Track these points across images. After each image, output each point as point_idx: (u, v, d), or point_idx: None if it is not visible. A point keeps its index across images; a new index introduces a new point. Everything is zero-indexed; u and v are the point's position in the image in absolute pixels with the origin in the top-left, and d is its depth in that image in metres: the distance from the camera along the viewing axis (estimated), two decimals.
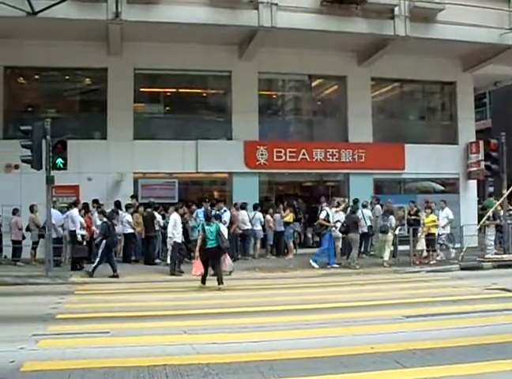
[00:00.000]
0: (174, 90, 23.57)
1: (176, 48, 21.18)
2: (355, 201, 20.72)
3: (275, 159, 22.42)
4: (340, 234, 19.31)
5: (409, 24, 20.75)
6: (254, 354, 7.56)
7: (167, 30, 19.57)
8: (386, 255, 18.92)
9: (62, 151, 16.83)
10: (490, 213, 20.17)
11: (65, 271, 17.04)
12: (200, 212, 18.36)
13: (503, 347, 7.78)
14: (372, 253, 21.26)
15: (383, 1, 20.29)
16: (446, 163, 24.53)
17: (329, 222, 18.85)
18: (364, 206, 20.83)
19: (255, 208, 21.01)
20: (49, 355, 7.61)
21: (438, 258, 19.51)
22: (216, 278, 14.42)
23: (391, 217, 19.32)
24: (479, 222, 21.67)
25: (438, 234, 19.65)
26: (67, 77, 22.91)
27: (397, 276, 16.98)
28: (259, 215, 20.93)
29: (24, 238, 19.17)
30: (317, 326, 9.45)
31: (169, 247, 18.78)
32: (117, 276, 16.21)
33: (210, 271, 14.70)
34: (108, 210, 19.51)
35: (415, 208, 20.58)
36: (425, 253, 19.49)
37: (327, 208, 19.29)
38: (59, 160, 16.75)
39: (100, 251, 16.38)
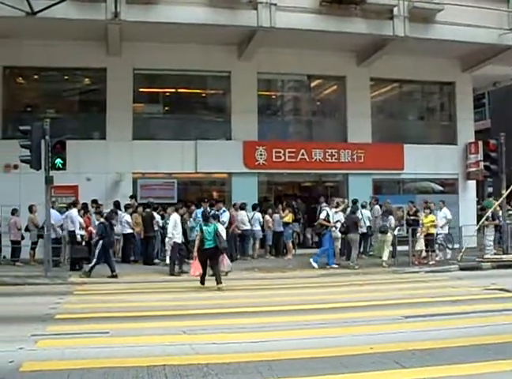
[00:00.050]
0: (173, 90, 23.56)
1: (175, 48, 21.18)
2: (354, 202, 20.70)
3: (274, 160, 22.42)
4: (339, 235, 19.35)
5: (408, 25, 20.75)
6: (253, 354, 7.56)
7: (167, 30, 19.57)
8: (385, 255, 18.92)
9: (61, 152, 16.81)
10: (489, 213, 20.18)
11: (65, 271, 17.02)
12: (199, 213, 18.39)
13: (503, 347, 7.79)
14: (371, 253, 21.25)
15: (382, 1, 20.30)
16: (445, 163, 24.54)
17: (329, 222, 18.85)
18: (363, 206, 20.82)
19: (254, 208, 21.01)
20: (48, 355, 7.61)
21: (437, 258, 19.51)
22: (214, 278, 14.44)
23: (390, 217, 19.32)
24: (478, 222, 21.69)
25: (436, 234, 19.65)
26: (66, 77, 22.90)
27: (396, 277, 16.98)
28: (258, 215, 20.93)
29: (23, 238, 19.16)
30: (316, 326, 9.45)
31: (168, 247, 18.86)
32: (116, 276, 16.19)
33: (209, 271, 14.70)
34: (107, 210, 19.57)
35: (414, 209, 20.60)
36: (424, 254, 19.48)
37: (327, 208, 19.29)
38: (58, 160, 16.73)
39: (97, 251, 16.37)
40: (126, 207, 19.77)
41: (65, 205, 19.43)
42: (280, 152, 22.49)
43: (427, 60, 23.63)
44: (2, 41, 19.90)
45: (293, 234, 21.81)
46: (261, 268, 18.34)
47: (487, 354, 7.46)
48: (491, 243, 20.22)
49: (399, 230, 19.84)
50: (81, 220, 18.28)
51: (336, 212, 19.46)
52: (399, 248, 19.69)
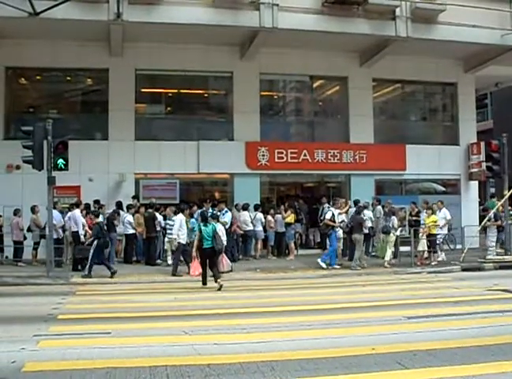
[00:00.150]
0: (175, 91, 23.54)
1: (178, 49, 21.19)
2: (356, 202, 20.71)
3: (276, 160, 22.39)
4: (341, 235, 19.34)
5: (411, 25, 20.73)
6: (255, 354, 7.56)
7: (169, 31, 19.57)
8: (388, 255, 18.90)
9: (63, 152, 16.85)
10: (491, 214, 20.15)
11: (67, 271, 17.03)
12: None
13: (505, 347, 7.78)
14: (374, 253, 21.23)
15: (385, 2, 20.26)
16: (448, 163, 24.52)
17: (334, 222, 18.83)
18: (365, 207, 20.80)
19: (256, 208, 21.02)
20: (50, 356, 7.62)
21: (439, 259, 19.48)
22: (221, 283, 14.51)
23: (393, 218, 19.31)
24: (480, 223, 21.66)
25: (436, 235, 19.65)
26: (68, 78, 22.92)
27: (398, 277, 16.96)
28: (260, 215, 20.93)
29: (25, 238, 19.19)
30: (318, 327, 9.45)
31: (167, 247, 18.98)
32: (115, 272, 16.28)
33: (210, 271, 14.75)
34: (109, 211, 19.63)
35: (416, 209, 20.58)
36: (426, 254, 19.46)
37: (332, 209, 19.26)
38: (60, 161, 16.77)
39: (92, 252, 16.41)
40: (128, 207, 19.78)
41: (67, 206, 19.46)
42: (282, 153, 22.47)
43: (429, 60, 23.65)
44: (5, 41, 19.95)
45: (295, 234, 21.82)
46: (263, 268, 18.33)
47: (490, 354, 7.45)
48: (494, 244, 20.18)
49: (401, 231, 19.82)
50: (84, 221, 18.30)
51: (340, 214, 19.47)
52: (401, 248, 19.74)
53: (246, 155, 22.22)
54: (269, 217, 21.21)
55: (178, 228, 16.88)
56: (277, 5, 19.33)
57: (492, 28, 21.26)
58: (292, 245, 21.34)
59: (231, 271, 16.63)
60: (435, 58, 23.63)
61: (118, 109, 21.26)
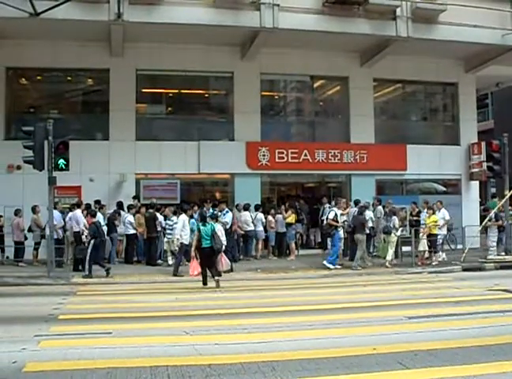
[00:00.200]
0: (176, 91, 23.54)
1: (178, 49, 21.20)
2: (356, 202, 20.71)
3: (277, 160, 22.38)
4: (342, 235, 19.33)
5: (411, 25, 20.74)
6: (256, 355, 7.56)
7: (169, 31, 19.57)
8: (389, 255, 18.90)
9: (64, 152, 16.86)
10: (492, 214, 20.14)
11: (67, 272, 17.04)
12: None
13: (506, 348, 7.78)
14: (375, 254, 21.21)
15: (385, 2, 20.25)
16: (448, 163, 24.51)
17: (337, 222, 18.82)
18: (366, 207, 20.79)
19: (257, 208, 21.02)
20: (51, 356, 7.62)
21: (440, 259, 19.48)
22: (216, 278, 14.53)
23: (394, 218, 19.30)
24: (481, 223, 21.65)
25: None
26: (69, 78, 22.93)
27: (399, 277, 16.95)
28: (261, 215, 20.93)
29: (26, 238, 19.20)
30: (319, 327, 9.44)
31: (166, 247, 18.97)
32: (109, 269, 16.40)
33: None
34: (110, 211, 19.64)
35: (417, 209, 20.58)
36: (427, 254, 19.45)
37: (335, 209, 19.23)
38: (61, 161, 16.78)
39: (89, 251, 16.42)
40: (129, 207, 19.79)
41: (68, 206, 19.46)
42: (282, 153, 22.46)
43: (430, 60, 23.65)
44: (5, 42, 19.96)
45: (296, 234, 21.81)
46: (264, 268, 18.33)
47: (491, 355, 7.45)
48: (495, 244, 20.17)
49: (402, 231, 19.82)
50: (85, 221, 18.30)
51: (342, 214, 19.45)
52: (402, 248, 19.76)
53: (247, 155, 22.22)
54: (270, 217, 21.20)
55: (181, 228, 16.87)
56: (278, 5, 19.33)
57: (493, 27, 21.27)
58: (293, 245, 21.34)
59: (231, 270, 16.73)
60: (436, 58, 23.63)
61: (118, 109, 21.27)
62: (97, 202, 19.59)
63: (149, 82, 23.19)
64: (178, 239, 17.01)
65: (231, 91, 22.94)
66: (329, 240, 20.04)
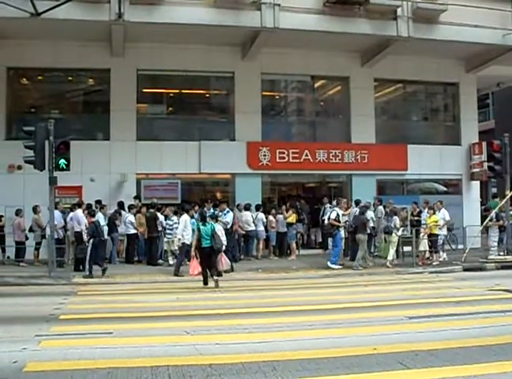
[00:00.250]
0: (177, 91, 23.55)
1: (179, 49, 21.21)
2: (357, 202, 20.71)
3: (278, 160, 22.39)
4: (343, 235, 19.32)
5: (412, 25, 20.74)
6: (256, 354, 7.56)
7: (170, 31, 19.58)
8: (391, 255, 18.90)
9: (64, 152, 16.86)
10: (493, 214, 20.13)
11: (68, 272, 17.03)
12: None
13: (506, 348, 7.77)
14: (376, 254, 21.20)
15: (386, 2, 20.26)
16: (449, 163, 24.51)
17: (339, 222, 18.80)
18: (367, 207, 20.78)
19: (257, 208, 21.02)
20: (52, 356, 7.63)
21: (441, 259, 19.47)
22: (217, 277, 14.53)
23: (395, 218, 19.30)
24: (482, 223, 21.64)
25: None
26: (70, 78, 22.95)
27: (400, 277, 16.95)
28: (261, 215, 20.93)
29: (27, 238, 19.21)
30: (320, 327, 9.44)
31: (166, 247, 18.97)
32: (105, 269, 16.46)
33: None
34: (111, 211, 19.65)
35: (417, 209, 20.57)
36: (428, 254, 19.44)
37: (337, 209, 19.21)
38: (62, 161, 16.78)
39: (89, 251, 16.43)
40: (130, 207, 19.80)
41: (69, 206, 19.47)
42: (283, 153, 22.47)
43: (430, 60, 23.64)
44: (6, 42, 19.97)
45: (297, 234, 21.82)
46: (265, 268, 18.32)
47: (491, 355, 7.45)
48: (495, 244, 20.15)
49: (403, 231, 19.81)
50: (86, 221, 18.29)
51: (344, 215, 19.44)
52: (404, 248, 19.78)
53: (248, 155, 22.22)
54: (271, 217, 21.20)
55: (183, 228, 16.85)
56: (279, 5, 19.34)
57: (494, 27, 21.26)
58: (294, 245, 21.34)
59: (231, 270, 16.78)
60: (437, 58, 23.62)
61: (119, 109, 21.27)
62: (98, 202, 19.57)
63: (150, 82, 23.19)
64: (179, 239, 17.00)
65: (231, 91, 22.95)
66: (329, 240, 20.02)
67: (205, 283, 14.60)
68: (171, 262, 18.74)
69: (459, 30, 20.87)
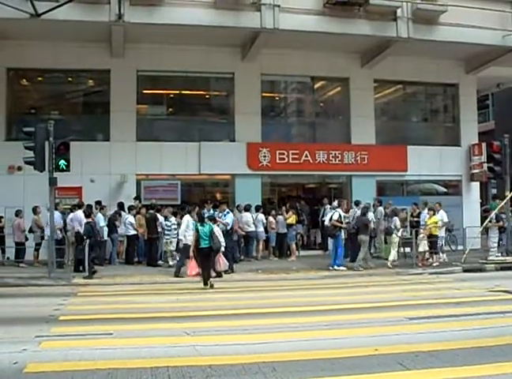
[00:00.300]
0: (177, 92, 23.56)
1: (179, 50, 21.21)
2: (357, 203, 20.72)
3: (277, 161, 22.39)
4: (343, 236, 19.32)
5: (412, 26, 20.76)
6: (256, 355, 7.55)
7: (170, 32, 19.59)
8: (392, 255, 18.91)
9: (64, 153, 16.85)
10: (493, 215, 20.13)
11: (68, 272, 17.02)
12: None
13: (506, 349, 7.77)
14: (375, 255, 21.20)
15: (386, 3, 20.27)
16: (449, 164, 24.51)
17: (341, 223, 18.79)
18: (368, 208, 20.76)
19: (257, 209, 21.02)
20: (52, 357, 7.62)
21: (441, 260, 19.47)
22: (217, 278, 14.56)
23: (395, 218, 19.31)
24: (481, 224, 21.64)
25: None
26: (70, 79, 22.95)
27: (400, 278, 16.95)
28: (261, 216, 20.94)
29: (26, 239, 19.21)
30: (320, 328, 9.43)
31: (166, 248, 18.99)
32: (94, 272, 16.46)
33: (211, 272, 14.82)
34: (111, 212, 19.66)
35: (417, 210, 20.57)
36: (427, 255, 19.44)
37: (339, 210, 19.19)
38: (62, 162, 16.77)
39: (86, 252, 16.43)
40: (130, 208, 19.80)
41: (69, 207, 19.47)
42: (283, 154, 22.47)
43: (430, 61, 23.65)
44: (6, 43, 19.98)
45: (297, 235, 21.83)
46: (265, 269, 18.33)
47: (491, 356, 7.44)
48: (495, 245, 20.13)
49: (403, 232, 19.81)
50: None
51: (344, 216, 19.44)
52: (403, 249, 19.78)
53: (248, 156, 22.22)
54: (271, 218, 21.21)
55: (185, 229, 16.83)
56: (278, 6, 19.36)
57: (493, 28, 21.26)
58: (294, 246, 21.35)
59: (232, 271, 16.81)
60: (437, 59, 23.63)
61: (119, 110, 21.28)
62: (98, 203, 19.59)
63: (150, 83, 23.18)
64: (181, 240, 16.97)
65: (231, 92, 22.96)
66: (330, 241, 19.97)
67: (206, 283, 14.60)
68: (170, 263, 18.74)
69: (459, 31, 20.88)
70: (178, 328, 9.33)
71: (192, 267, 14.91)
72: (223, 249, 15.78)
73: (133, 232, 19.47)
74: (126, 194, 20.88)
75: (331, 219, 18.77)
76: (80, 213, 18.07)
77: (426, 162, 23.81)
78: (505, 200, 20.62)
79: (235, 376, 6.76)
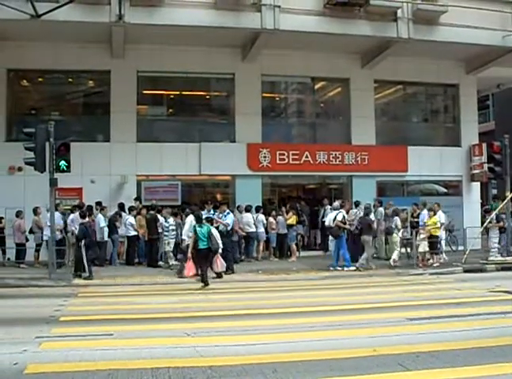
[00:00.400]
0: (177, 92, 23.57)
1: (179, 51, 21.21)
2: (357, 204, 20.72)
3: (278, 162, 22.38)
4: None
5: (412, 27, 20.75)
6: (257, 356, 7.56)
7: (171, 32, 19.59)
8: (395, 254, 18.94)
9: (65, 154, 16.84)
10: (493, 215, 20.13)
11: (68, 273, 17.01)
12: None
13: (507, 349, 7.77)
14: (375, 255, 21.19)
15: (386, 3, 20.25)
16: (449, 165, 24.49)
17: (345, 224, 18.76)
18: (369, 209, 20.75)
19: (258, 210, 21.01)
20: (52, 357, 7.62)
21: (442, 260, 19.46)
22: (217, 279, 14.55)
23: (396, 218, 19.33)
24: (482, 224, 21.63)
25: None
26: (70, 80, 22.94)
27: (400, 279, 16.95)
28: (262, 217, 20.93)
29: (27, 240, 19.21)
30: (320, 329, 9.43)
31: (166, 249, 18.94)
32: (80, 276, 16.40)
33: (211, 273, 14.82)
34: (111, 212, 19.66)
35: (418, 211, 20.55)
36: (428, 256, 19.43)
37: (343, 210, 19.15)
38: (62, 163, 16.75)
39: (84, 253, 16.44)
40: (130, 209, 19.81)
41: (69, 208, 19.46)
42: (283, 154, 22.47)
43: (430, 62, 23.63)
44: (7, 43, 19.97)
45: (297, 236, 21.82)
46: (265, 270, 18.32)
47: (492, 356, 7.44)
48: (496, 245, 20.15)
49: (403, 233, 19.81)
50: None
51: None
52: (403, 250, 19.78)
53: (248, 156, 22.22)
54: (271, 219, 21.20)
55: (188, 229, 16.80)
56: (279, 6, 19.34)
57: (493, 29, 21.24)
58: (294, 246, 21.33)
59: (232, 272, 16.80)
60: (437, 60, 23.62)
61: (119, 111, 21.28)
62: (98, 204, 19.60)
63: (150, 84, 23.17)
64: (184, 240, 16.93)
65: (232, 93, 22.95)
66: (330, 242, 19.93)
67: (206, 284, 14.61)
68: (171, 263, 18.74)
69: (459, 31, 20.87)
70: (179, 329, 9.34)
71: (189, 268, 14.93)
72: (220, 250, 15.78)
73: (133, 233, 19.47)
74: (126, 195, 20.87)
75: (335, 219, 18.72)
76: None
77: (426, 162, 23.80)
78: (505, 201, 20.61)
79: (236, 377, 6.76)
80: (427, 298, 12.92)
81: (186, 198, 22.01)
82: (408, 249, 19.94)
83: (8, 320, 10.23)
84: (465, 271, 18.11)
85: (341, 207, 19.48)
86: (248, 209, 20.61)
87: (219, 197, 23.43)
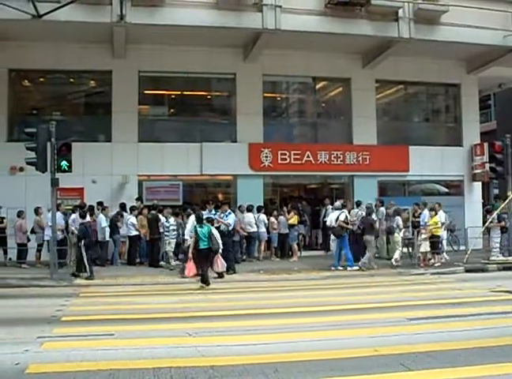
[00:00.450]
0: (178, 92, 23.59)
1: (180, 51, 21.22)
2: (358, 203, 20.72)
3: (279, 162, 22.39)
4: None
5: (413, 26, 20.76)
6: (258, 356, 7.56)
7: (172, 33, 19.61)
8: (397, 254, 18.95)
9: (66, 154, 16.84)
10: (495, 215, 20.12)
11: (70, 273, 17.04)
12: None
13: (507, 349, 7.76)
14: (377, 255, 21.17)
15: (387, 3, 20.27)
16: (451, 165, 24.49)
17: (347, 224, 18.76)
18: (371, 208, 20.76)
19: (259, 210, 21.00)
20: (54, 357, 7.63)
21: (443, 260, 19.45)
22: (218, 279, 14.56)
23: (397, 218, 19.32)
24: (483, 224, 21.62)
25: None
26: (72, 80, 22.95)
27: (401, 278, 16.94)
28: (263, 217, 20.92)
29: (29, 240, 19.23)
30: (321, 328, 9.42)
31: (167, 249, 18.90)
32: (77, 276, 16.40)
33: (212, 273, 14.83)
34: (113, 212, 19.67)
35: (419, 211, 20.55)
36: (429, 255, 19.43)
37: (345, 210, 19.14)
38: (64, 163, 16.75)
39: (84, 253, 16.45)
40: (132, 209, 19.82)
41: (70, 208, 19.48)
42: (285, 154, 22.48)
43: (432, 62, 23.63)
44: (8, 44, 19.98)
45: (298, 236, 21.80)
46: (267, 270, 18.32)
47: (492, 356, 7.43)
48: (498, 245, 20.13)
49: (404, 232, 19.80)
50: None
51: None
52: (405, 250, 19.77)
53: (250, 156, 22.23)
54: (272, 219, 21.19)
55: (191, 229, 16.79)
56: (280, 6, 19.36)
57: (495, 28, 21.24)
58: (295, 246, 21.33)
59: (233, 272, 16.79)
60: (438, 59, 23.62)
61: (121, 111, 21.29)
62: (100, 204, 19.61)
63: (152, 84, 23.19)
64: (187, 240, 16.92)
65: (233, 93, 22.95)
66: (332, 242, 19.89)
67: (207, 284, 14.61)
68: (172, 263, 18.75)
69: (460, 31, 20.87)
70: (181, 329, 9.34)
71: (190, 268, 14.94)
72: (220, 250, 15.79)
73: (135, 233, 19.48)
74: (127, 195, 20.90)
75: (337, 219, 18.69)
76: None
77: (428, 162, 23.80)
78: (507, 201, 20.59)
79: (237, 376, 6.76)
80: (428, 297, 12.89)
81: (188, 198, 22.01)
82: (410, 249, 19.96)
83: (9, 320, 10.24)
84: (467, 271, 18.10)
85: (343, 207, 19.47)
86: (249, 209, 20.60)
87: (220, 196, 23.45)
